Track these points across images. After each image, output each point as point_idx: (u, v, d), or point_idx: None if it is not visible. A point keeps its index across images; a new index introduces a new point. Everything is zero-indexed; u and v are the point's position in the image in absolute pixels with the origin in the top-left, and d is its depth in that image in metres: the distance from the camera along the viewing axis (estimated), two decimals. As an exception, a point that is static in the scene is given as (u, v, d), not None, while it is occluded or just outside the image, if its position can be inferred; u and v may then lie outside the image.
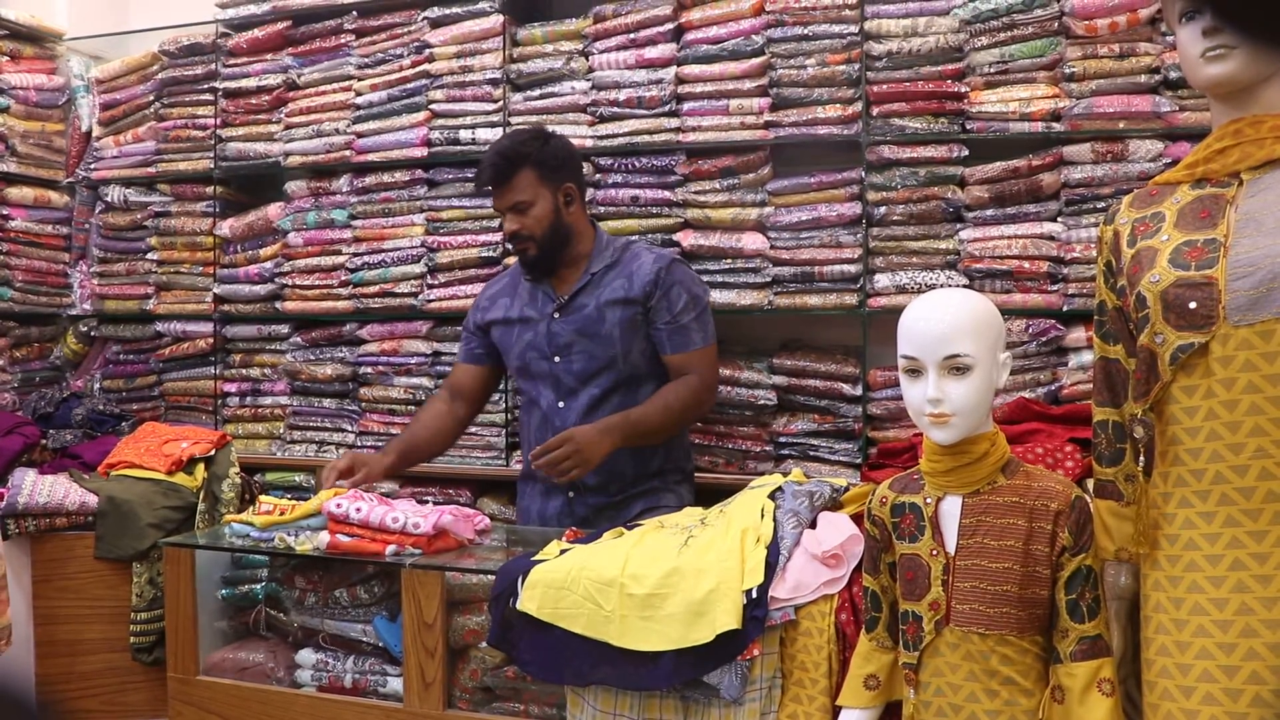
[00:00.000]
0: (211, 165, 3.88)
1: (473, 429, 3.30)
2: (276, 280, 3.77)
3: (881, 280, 3.04)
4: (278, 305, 3.78)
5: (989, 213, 2.98)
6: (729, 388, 3.14)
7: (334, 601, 2.89)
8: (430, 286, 3.54)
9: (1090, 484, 1.84)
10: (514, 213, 2.68)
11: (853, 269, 3.06)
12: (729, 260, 3.18)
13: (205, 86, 3.90)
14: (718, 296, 3.12)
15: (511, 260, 3.16)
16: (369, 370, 3.63)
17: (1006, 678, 1.66)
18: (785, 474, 2.68)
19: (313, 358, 3.72)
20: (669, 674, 2.07)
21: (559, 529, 2.61)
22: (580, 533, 2.48)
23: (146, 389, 4.02)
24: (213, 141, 3.87)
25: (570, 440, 2.47)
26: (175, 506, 3.32)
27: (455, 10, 3.51)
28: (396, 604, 2.74)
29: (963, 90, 2.97)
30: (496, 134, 3.42)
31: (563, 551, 2.31)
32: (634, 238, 3.12)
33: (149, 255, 3.99)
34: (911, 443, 2.76)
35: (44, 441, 3.62)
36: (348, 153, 3.65)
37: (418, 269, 3.55)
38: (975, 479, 1.72)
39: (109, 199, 4.02)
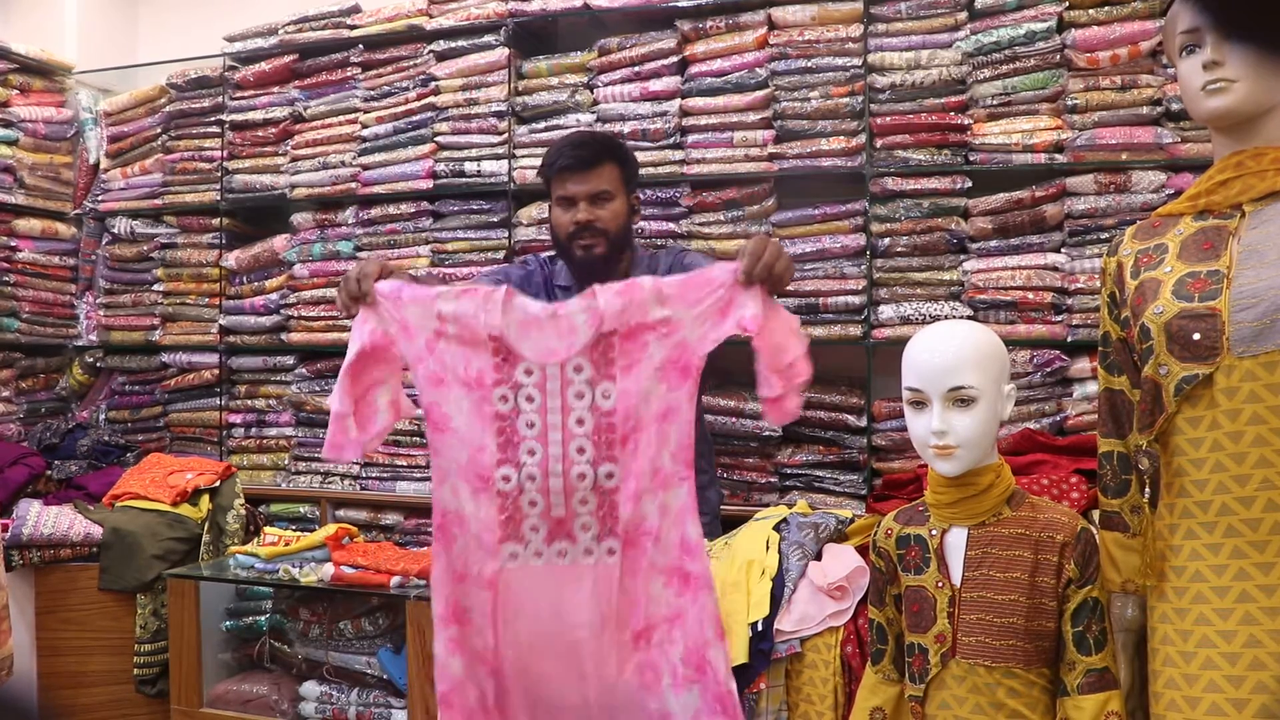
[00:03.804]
0: (218, 197, 3.90)
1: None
2: (282, 312, 3.78)
3: (886, 311, 3.04)
4: (283, 337, 3.78)
5: (992, 244, 2.98)
6: (733, 419, 3.14)
7: (338, 633, 2.88)
8: (435, 318, 3.54)
9: (1096, 515, 1.84)
10: (593, 203, 2.54)
11: (857, 300, 3.06)
12: (733, 291, 3.18)
13: (212, 119, 3.92)
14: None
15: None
16: (374, 401, 3.63)
17: (1013, 710, 1.66)
18: (790, 505, 2.68)
19: (318, 389, 3.73)
20: (674, 707, 2.05)
21: None
22: None
23: (152, 420, 4.02)
24: (219, 174, 3.89)
25: (761, 238, 2.01)
26: (180, 538, 3.31)
27: (461, 44, 3.54)
28: (401, 636, 2.73)
29: (966, 122, 2.98)
30: (502, 166, 3.44)
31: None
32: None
33: (155, 286, 4.00)
34: (917, 474, 2.76)
35: (49, 472, 3.62)
36: (353, 185, 3.67)
37: (423, 300, 3.55)
38: (981, 511, 1.71)
39: (116, 230, 4.04)
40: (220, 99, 3.90)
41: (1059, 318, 2.91)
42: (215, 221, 3.92)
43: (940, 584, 1.72)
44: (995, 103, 2.97)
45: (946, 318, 2.93)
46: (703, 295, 1.97)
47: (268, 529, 3.22)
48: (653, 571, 1.96)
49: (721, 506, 3.03)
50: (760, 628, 2.11)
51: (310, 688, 2.92)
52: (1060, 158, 2.91)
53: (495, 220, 3.48)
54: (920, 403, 1.72)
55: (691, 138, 3.26)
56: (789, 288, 3.08)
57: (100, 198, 4.11)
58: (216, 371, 3.89)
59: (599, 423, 1.99)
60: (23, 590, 3.23)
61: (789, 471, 3.14)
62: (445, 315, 2.01)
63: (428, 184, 3.56)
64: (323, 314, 3.71)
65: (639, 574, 1.97)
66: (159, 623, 3.21)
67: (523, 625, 2.01)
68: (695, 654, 1.96)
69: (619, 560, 1.98)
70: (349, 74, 3.71)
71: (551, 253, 2.85)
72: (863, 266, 3.07)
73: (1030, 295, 2.92)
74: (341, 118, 3.73)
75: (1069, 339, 2.90)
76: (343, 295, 2.08)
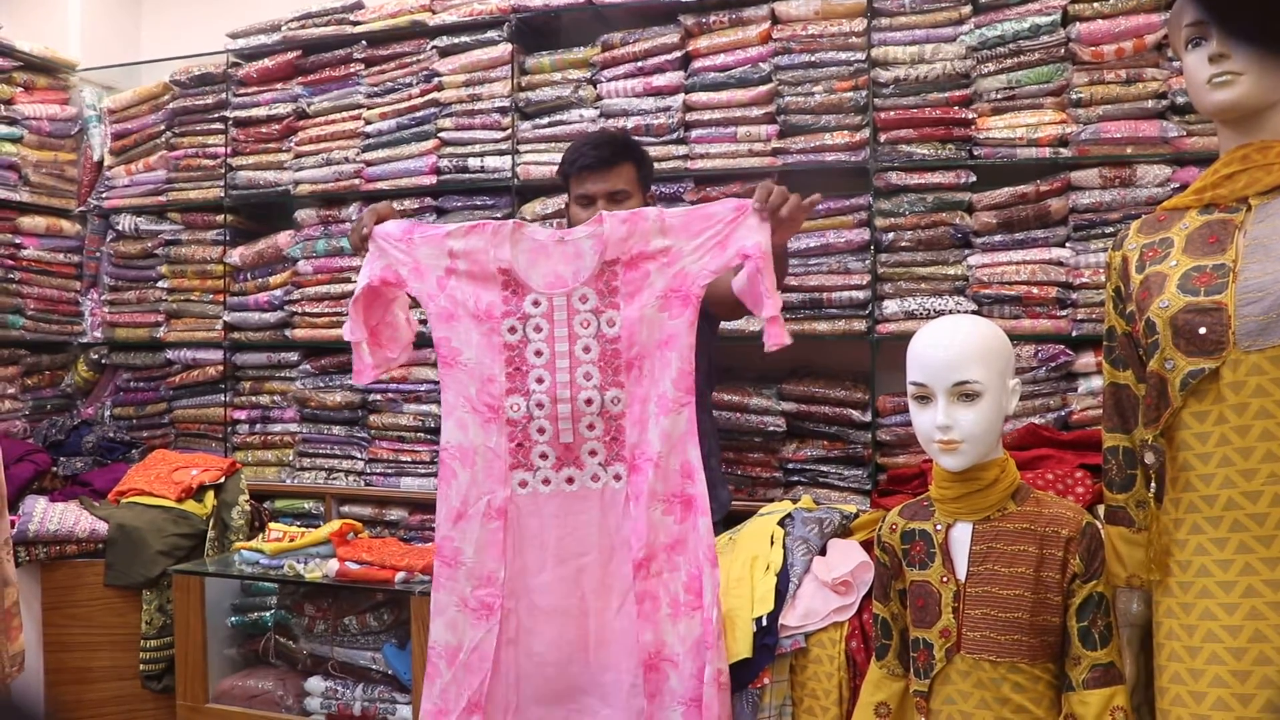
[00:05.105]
0: (222, 194, 3.90)
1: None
2: (286, 308, 3.78)
3: (890, 306, 3.03)
4: (287, 333, 3.79)
5: (997, 238, 2.98)
6: (738, 414, 3.14)
7: (343, 629, 2.89)
8: (439, 313, 3.54)
9: (1101, 510, 1.84)
10: (610, 201, 2.51)
11: (861, 295, 3.06)
12: (737, 286, 3.18)
13: (216, 116, 3.92)
14: (726, 324, 3.12)
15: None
16: (378, 398, 3.64)
17: (1018, 705, 1.66)
18: (795, 501, 2.68)
19: (322, 385, 3.73)
20: (679, 702, 2.05)
21: None
22: None
23: (157, 416, 4.03)
24: (223, 170, 3.90)
25: (770, 182, 2.15)
26: (185, 534, 3.32)
27: (464, 39, 3.53)
28: (406, 631, 2.74)
29: (970, 116, 2.98)
30: (505, 162, 3.44)
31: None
32: None
33: (160, 283, 4.01)
34: (921, 469, 2.76)
35: (55, 469, 3.63)
36: (357, 181, 3.67)
37: (427, 296, 3.55)
38: (985, 505, 1.71)
39: (120, 227, 4.04)
40: (224, 95, 3.90)
41: (1064, 312, 2.91)
42: (219, 218, 3.92)
43: (945, 579, 1.72)
44: (999, 97, 2.97)
45: (951, 312, 2.92)
46: (704, 228, 2.09)
47: (273, 525, 3.22)
48: (654, 499, 2.04)
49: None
50: (765, 623, 2.11)
51: (315, 683, 2.93)
52: (1065, 152, 2.90)
53: (499, 216, 3.47)
54: (925, 397, 1.72)
55: (695, 133, 3.25)
56: (793, 282, 3.10)
57: (104, 195, 4.11)
58: (221, 368, 3.89)
59: (605, 349, 2.09)
60: (29, 586, 3.24)
61: (793, 467, 3.14)
62: (456, 252, 2.14)
63: (431, 180, 3.55)
64: (327, 310, 3.71)
65: (643, 499, 2.04)
66: (164, 618, 3.22)
67: (530, 554, 2.08)
68: (695, 581, 2.05)
69: (625, 486, 2.07)
70: (352, 70, 3.70)
71: None
72: (867, 261, 3.07)
73: (1035, 290, 2.92)
74: (345, 114, 3.72)
75: (1074, 333, 2.89)
76: (354, 237, 2.28)
